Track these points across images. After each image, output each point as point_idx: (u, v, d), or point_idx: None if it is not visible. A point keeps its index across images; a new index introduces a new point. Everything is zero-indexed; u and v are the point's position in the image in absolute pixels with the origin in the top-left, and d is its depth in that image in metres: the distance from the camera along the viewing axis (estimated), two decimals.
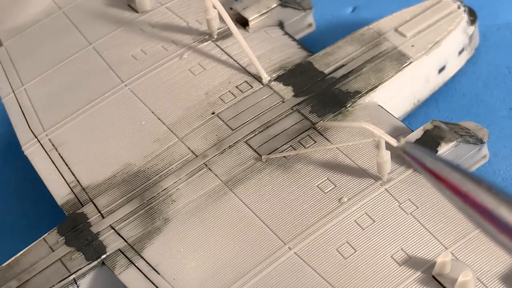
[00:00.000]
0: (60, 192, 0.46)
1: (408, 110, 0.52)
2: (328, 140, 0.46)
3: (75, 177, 0.46)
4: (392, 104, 0.49)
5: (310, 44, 0.55)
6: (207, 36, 0.53)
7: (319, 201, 0.42)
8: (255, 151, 0.46)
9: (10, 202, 0.54)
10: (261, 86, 0.49)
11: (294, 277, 0.40)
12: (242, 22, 0.54)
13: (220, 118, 0.48)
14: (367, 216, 0.42)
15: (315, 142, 0.46)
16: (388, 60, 0.50)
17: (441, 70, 0.52)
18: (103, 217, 0.44)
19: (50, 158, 0.48)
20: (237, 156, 0.46)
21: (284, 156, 0.45)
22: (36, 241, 0.44)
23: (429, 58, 0.51)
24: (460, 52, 0.53)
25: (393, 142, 0.44)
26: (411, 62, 0.50)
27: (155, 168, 0.46)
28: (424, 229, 0.41)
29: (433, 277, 0.38)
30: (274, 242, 0.41)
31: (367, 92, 0.48)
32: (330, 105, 0.48)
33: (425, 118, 0.54)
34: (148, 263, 0.42)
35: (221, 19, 0.51)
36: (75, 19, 0.56)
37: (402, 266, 0.39)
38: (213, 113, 0.48)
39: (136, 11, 0.56)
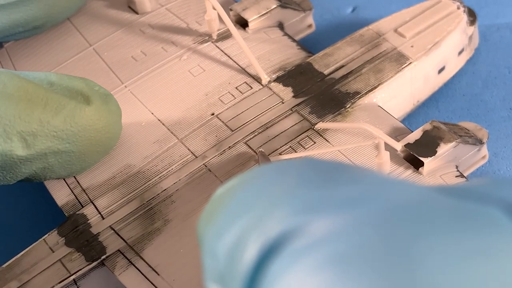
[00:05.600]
0: (60, 193, 0.46)
1: (408, 111, 0.52)
2: (328, 141, 0.46)
3: (75, 178, 0.46)
4: (392, 105, 0.49)
5: (310, 44, 0.55)
6: (206, 37, 0.53)
7: None
8: (254, 152, 0.46)
9: (10, 203, 0.54)
10: (261, 87, 0.49)
11: None
12: (242, 23, 0.54)
13: (220, 119, 0.48)
14: None
15: (314, 143, 0.46)
16: (388, 60, 0.50)
17: (440, 70, 0.52)
18: (103, 218, 0.44)
19: None
20: (237, 157, 0.46)
21: None
22: (36, 242, 0.44)
23: (429, 59, 0.51)
24: (460, 53, 0.53)
25: (393, 142, 0.44)
26: (410, 63, 0.50)
27: (155, 169, 0.46)
28: None
29: None
30: None
31: (366, 93, 0.48)
32: (329, 106, 0.48)
33: (425, 119, 0.54)
34: (148, 264, 0.42)
35: (220, 20, 0.51)
36: (75, 20, 0.56)
37: None
38: (212, 114, 0.48)
39: (136, 13, 0.56)
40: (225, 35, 0.53)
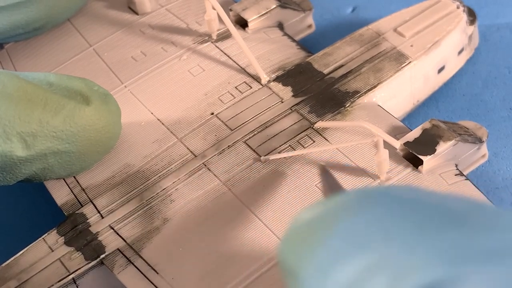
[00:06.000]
0: (59, 193, 0.46)
1: (408, 110, 0.52)
2: (327, 140, 0.46)
3: (74, 177, 0.46)
4: (391, 104, 0.49)
5: (310, 44, 0.55)
6: (206, 37, 0.53)
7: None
8: (254, 151, 0.46)
9: (10, 203, 0.54)
10: (260, 86, 0.49)
11: None
12: (242, 23, 0.54)
13: (219, 119, 0.48)
14: None
15: (314, 142, 0.46)
16: (387, 60, 0.50)
17: (440, 70, 0.52)
18: (102, 217, 0.44)
19: None
20: (236, 156, 0.46)
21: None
22: (36, 241, 0.44)
23: (428, 58, 0.51)
24: (460, 52, 0.53)
25: (392, 141, 0.44)
26: (410, 62, 0.50)
27: (154, 168, 0.46)
28: None
29: None
30: (273, 241, 0.41)
31: (366, 92, 0.48)
32: (329, 105, 0.48)
33: (425, 118, 0.53)
34: (147, 263, 0.42)
35: (220, 20, 0.51)
36: (75, 21, 0.57)
37: None
38: (212, 114, 0.48)
39: (136, 13, 0.56)
40: (225, 35, 0.53)
